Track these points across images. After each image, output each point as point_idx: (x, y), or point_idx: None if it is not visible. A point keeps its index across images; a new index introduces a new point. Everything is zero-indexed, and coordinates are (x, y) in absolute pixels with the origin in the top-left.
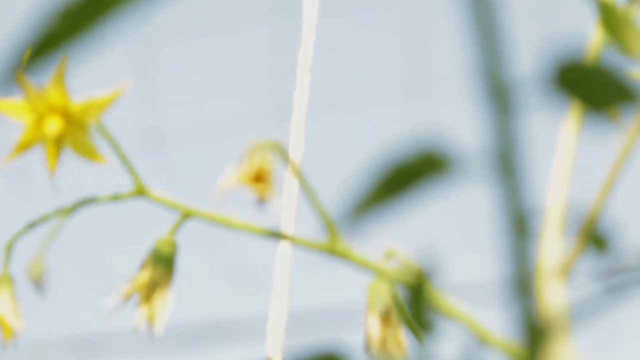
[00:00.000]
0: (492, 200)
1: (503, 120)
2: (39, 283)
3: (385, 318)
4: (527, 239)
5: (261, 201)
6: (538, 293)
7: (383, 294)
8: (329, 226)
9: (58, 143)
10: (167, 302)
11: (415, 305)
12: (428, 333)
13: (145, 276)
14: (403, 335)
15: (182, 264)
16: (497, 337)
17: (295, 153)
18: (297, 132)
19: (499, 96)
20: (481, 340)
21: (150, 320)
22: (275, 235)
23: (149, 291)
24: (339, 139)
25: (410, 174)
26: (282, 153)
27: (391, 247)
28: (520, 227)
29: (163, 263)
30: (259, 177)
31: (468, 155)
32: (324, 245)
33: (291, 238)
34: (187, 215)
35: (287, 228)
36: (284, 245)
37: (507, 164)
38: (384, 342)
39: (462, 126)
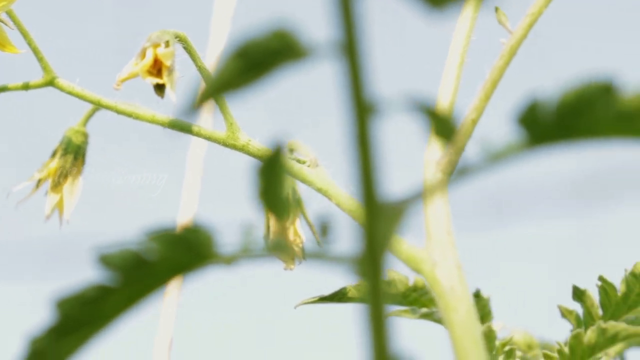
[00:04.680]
0: (338, 87)
1: (348, 13)
2: None
3: None
4: (371, 124)
5: (161, 92)
6: (424, 195)
7: None
8: (229, 120)
9: None
10: (76, 190)
11: (273, 177)
12: (284, 206)
13: (55, 164)
14: (299, 226)
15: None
16: (345, 198)
17: (214, 48)
18: (218, 28)
19: None
20: (332, 201)
21: (60, 207)
22: (178, 126)
23: (59, 179)
24: None
25: (261, 50)
26: (187, 46)
27: (292, 141)
28: (363, 113)
29: (73, 152)
30: (160, 69)
31: (316, 41)
32: (223, 138)
33: (191, 129)
34: (97, 107)
35: (190, 122)
36: (196, 141)
37: (351, 53)
38: (281, 233)
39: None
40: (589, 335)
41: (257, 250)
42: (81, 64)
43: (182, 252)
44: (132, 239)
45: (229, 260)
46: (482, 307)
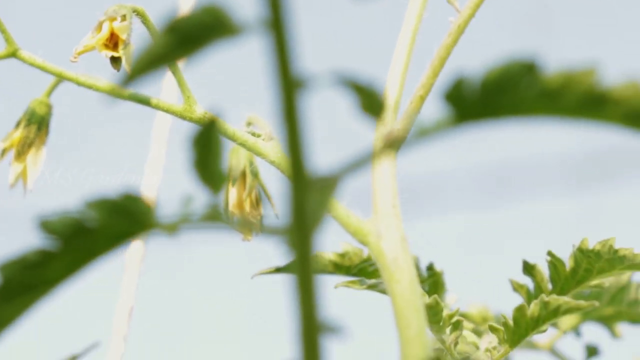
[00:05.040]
0: (267, 63)
1: None
2: None
3: (241, 181)
4: (297, 99)
5: (117, 65)
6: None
7: (241, 159)
8: (186, 93)
9: None
10: (39, 160)
11: (206, 148)
12: (217, 177)
13: (19, 134)
14: (257, 197)
15: None
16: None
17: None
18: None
19: None
20: (285, 174)
21: (23, 177)
22: (137, 99)
23: (22, 149)
24: None
25: (192, 25)
26: (145, 20)
27: (252, 115)
28: (289, 87)
29: (37, 123)
30: (117, 42)
31: (246, 17)
32: (181, 110)
33: (150, 102)
34: (59, 79)
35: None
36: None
37: (277, 29)
38: (239, 204)
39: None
40: (532, 309)
41: (195, 220)
42: (58, 40)
43: (121, 219)
44: (75, 206)
45: (170, 228)
46: (435, 280)
